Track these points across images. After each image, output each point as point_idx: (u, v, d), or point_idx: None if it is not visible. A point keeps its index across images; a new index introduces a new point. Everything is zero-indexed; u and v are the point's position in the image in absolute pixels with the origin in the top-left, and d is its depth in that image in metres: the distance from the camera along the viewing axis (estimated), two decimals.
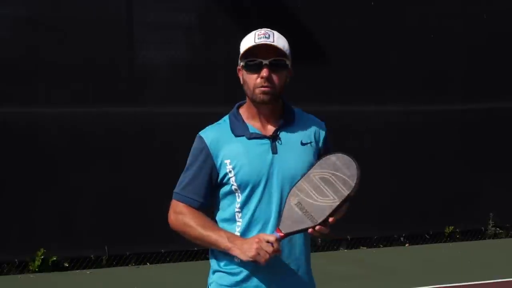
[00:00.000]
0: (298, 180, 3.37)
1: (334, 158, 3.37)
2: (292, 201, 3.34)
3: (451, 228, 11.48)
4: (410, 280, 9.21)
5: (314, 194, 3.33)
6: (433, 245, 11.32)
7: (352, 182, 3.31)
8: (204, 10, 10.33)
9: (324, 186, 3.33)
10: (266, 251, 3.28)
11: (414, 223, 11.29)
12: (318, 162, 3.39)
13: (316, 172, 3.36)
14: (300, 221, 3.31)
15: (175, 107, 10.07)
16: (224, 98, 9.76)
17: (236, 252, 3.34)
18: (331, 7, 10.85)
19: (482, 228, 11.74)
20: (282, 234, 3.31)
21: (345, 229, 10.51)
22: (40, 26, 9.54)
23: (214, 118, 3.60)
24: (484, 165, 11.65)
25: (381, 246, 11.14)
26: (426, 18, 11.40)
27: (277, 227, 3.34)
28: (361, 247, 11.04)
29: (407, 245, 11.28)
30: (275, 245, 3.29)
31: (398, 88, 11.20)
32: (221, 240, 3.38)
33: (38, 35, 9.51)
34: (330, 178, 3.34)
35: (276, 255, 3.36)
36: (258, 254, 3.28)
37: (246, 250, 3.31)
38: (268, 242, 3.29)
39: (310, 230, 3.32)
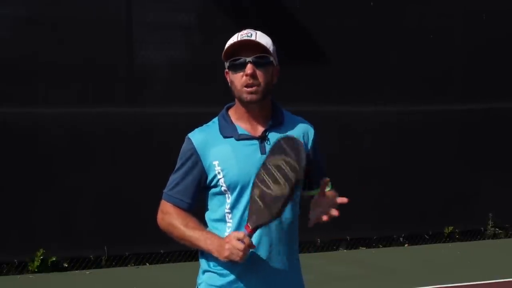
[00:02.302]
0: (258, 171, 3.35)
1: (282, 142, 3.34)
2: (255, 193, 3.32)
3: (451, 228, 11.49)
4: (409, 280, 9.21)
5: (270, 184, 3.30)
6: (433, 245, 11.32)
7: (298, 166, 3.27)
8: (203, 10, 10.34)
9: (278, 173, 3.30)
10: (238, 249, 3.27)
11: (413, 224, 11.30)
12: (271, 149, 3.36)
13: (270, 160, 3.33)
14: (262, 214, 3.29)
15: (175, 107, 10.07)
16: (223, 99, 9.72)
17: (215, 253, 3.37)
18: (330, 7, 10.85)
19: (482, 228, 11.74)
20: (250, 230, 3.31)
21: (345, 229, 10.52)
22: (40, 26, 9.54)
23: (213, 118, 3.60)
24: (483, 165, 11.65)
25: (381, 246, 11.14)
26: (425, 18, 11.40)
27: (246, 222, 3.34)
28: (360, 247, 11.04)
29: (406, 245, 11.29)
30: (246, 240, 3.28)
31: (397, 88, 11.21)
32: (201, 240, 3.40)
33: (38, 35, 9.51)
34: (282, 165, 3.30)
35: (270, 254, 3.39)
36: (232, 253, 3.29)
37: (221, 251, 3.33)
38: (238, 239, 3.29)
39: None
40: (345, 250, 10.92)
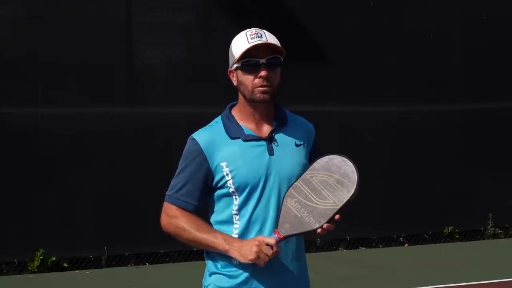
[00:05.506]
0: (294, 181, 3.37)
1: (329, 160, 3.37)
2: (289, 202, 3.33)
3: (450, 228, 11.48)
4: (409, 280, 9.21)
5: (313, 197, 3.32)
6: (433, 245, 11.31)
7: (352, 186, 3.31)
8: (203, 10, 10.34)
9: (323, 188, 3.33)
10: (266, 254, 3.28)
11: (413, 224, 11.29)
12: (315, 163, 3.38)
13: (313, 174, 3.35)
14: (299, 223, 3.32)
15: (175, 107, 10.06)
16: (223, 99, 9.72)
17: (234, 254, 3.34)
18: (330, 7, 10.85)
19: (482, 228, 11.73)
20: (282, 237, 3.31)
21: (345, 229, 10.51)
22: (40, 26, 9.54)
23: (213, 118, 3.58)
24: (483, 165, 11.64)
25: (381, 246, 11.13)
26: (425, 18, 11.40)
27: (275, 229, 3.34)
28: (360, 247, 11.03)
29: (406, 245, 11.28)
30: (275, 247, 3.30)
31: (397, 88, 11.20)
32: (218, 242, 3.37)
33: (37, 35, 9.51)
34: (329, 180, 3.33)
35: (275, 256, 3.37)
36: (258, 257, 3.28)
37: (245, 253, 3.31)
38: (267, 245, 3.29)
39: (319, 230, 3.34)
40: (345, 250, 10.91)
